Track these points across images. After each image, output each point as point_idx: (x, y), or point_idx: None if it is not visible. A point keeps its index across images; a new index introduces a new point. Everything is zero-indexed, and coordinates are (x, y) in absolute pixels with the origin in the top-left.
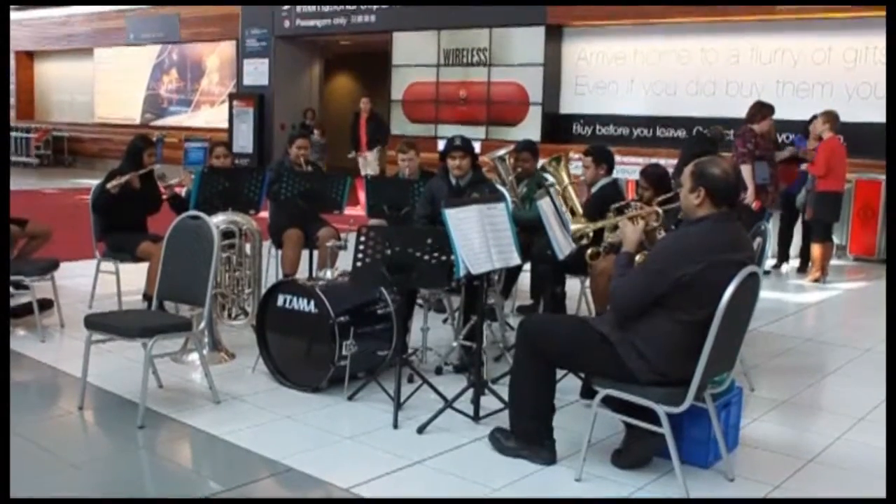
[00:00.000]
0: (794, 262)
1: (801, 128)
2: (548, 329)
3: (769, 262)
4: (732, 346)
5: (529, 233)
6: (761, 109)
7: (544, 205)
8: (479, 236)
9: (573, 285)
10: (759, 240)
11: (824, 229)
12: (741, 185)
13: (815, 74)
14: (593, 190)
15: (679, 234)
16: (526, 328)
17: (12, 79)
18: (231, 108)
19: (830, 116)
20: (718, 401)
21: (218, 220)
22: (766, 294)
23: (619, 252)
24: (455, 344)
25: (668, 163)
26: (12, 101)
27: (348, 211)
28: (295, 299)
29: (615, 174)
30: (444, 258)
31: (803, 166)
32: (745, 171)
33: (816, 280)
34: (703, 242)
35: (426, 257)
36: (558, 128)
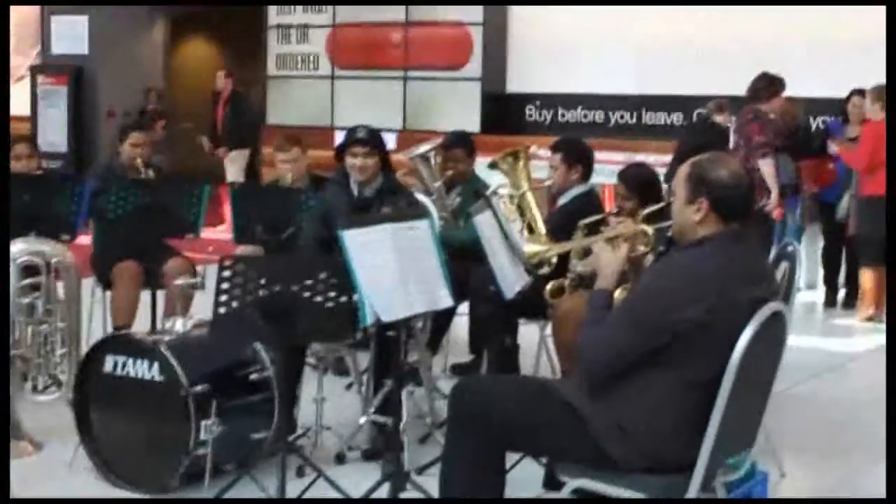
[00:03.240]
0: (839, 294)
1: (837, 109)
2: (493, 397)
3: (805, 296)
4: (751, 415)
5: (465, 261)
6: (770, 84)
7: (484, 221)
8: (393, 268)
9: (528, 333)
10: (784, 265)
11: (876, 249)
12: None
13: (860, 35)
14: (562, 201)
15: (671, 263)
16: (462, 397)
17: None
18: (34, 87)
19: (882, 92)
20: (735, 492)
21: (15, 251)
22: (797, 341)
23: (591, 288)
24: (363, 420)
25: (660, 160)
26: None
27: (207, 234)
28: (131, 362)
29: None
30: (343, 300)
31: (832, 148)
32: (767, 167)
33: (870, 319)
34: (709, 274)
35: (319, 299)
36: (505, 113)
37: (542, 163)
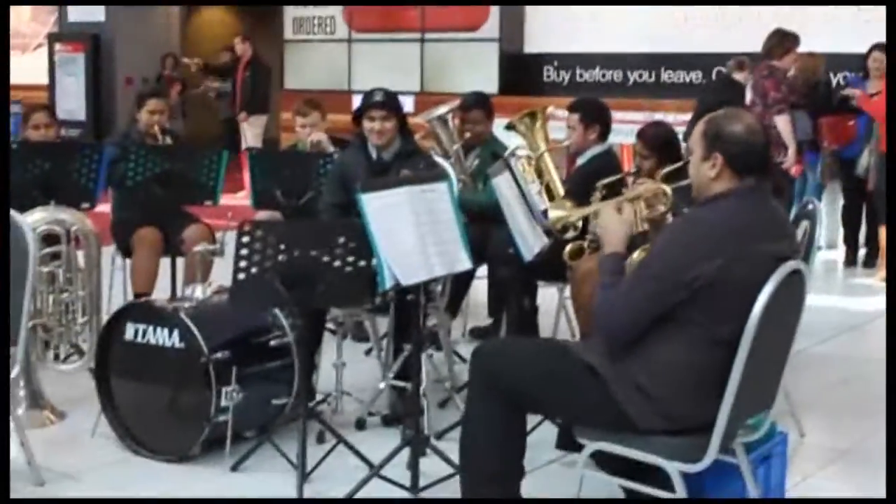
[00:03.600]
0: (859, 253)
1: (857, 64)
2: (513, 360)
3: (826, 255)
4: (770, 375)
5: (484, 224)
6: (783, 40)
7: (503, 183)
8: (411, 232)
9: (548, 296)
10: (804, 224)
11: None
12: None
13: None
14: (580, 161)
15: (688, 219)
16: (482, 360)
17: None
18: (52, 55)
19: None
20: (755, 452)
21: (35, 220)
22: (817, 300)
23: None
24: (383, 385)
25: (679, 119)
26: None
27: (226, 200)
28: (151, 330)
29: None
30: (362, 264)
31: (852, 92)
32: (783, 123)
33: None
34: (724, 229)
35: (338, 264)
36: (523, 74)
37: (560, 123)
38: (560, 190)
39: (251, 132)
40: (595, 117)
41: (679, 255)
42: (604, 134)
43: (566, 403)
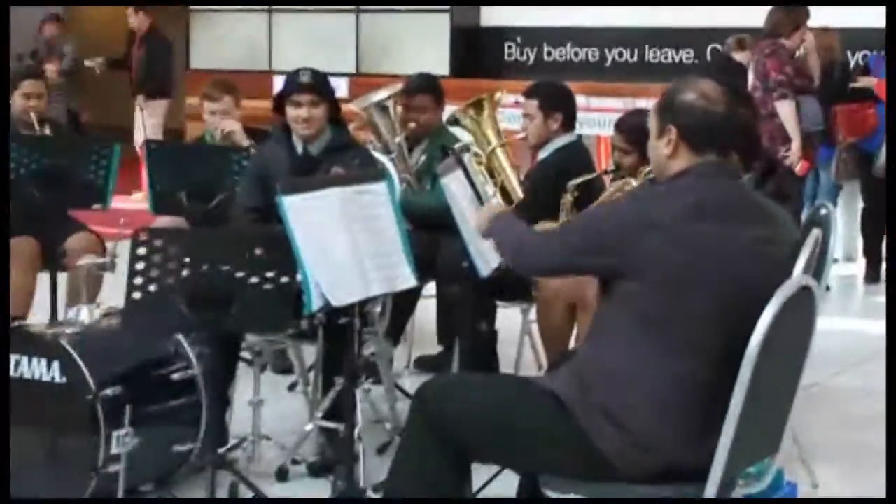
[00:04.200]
0: (882, 267)
1: (878, 42)
2: (462, 396)
3: (843, 269)
4: (775, 413)
5: (432, 233)
6: (791, 14)
7: (454, 183)
8: (343, 242)
9: (509, 320)
10: (816, 232)
11: None
12: (747, 123)
13: None
14: (541, 155)
15: (634, 193)
16: (425, 397)
17: None
18: None
19: None
20: None
21: None
22: (832, 323)
23: None
24: (310, 427)
25: None
26: None
27: (118, 204)
28: (26, 361)
29: (578, 129)
30: (285, 281)
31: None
32: (785, 110)
33: None
34: (680, 203)
35: (255, 280)
36: (479, 52)
37: (515, 111)
38: (518, 191)
39: (149, 121)
40: (556, 103)
41: (622, 217)
42: (568, 123)
43: (529, 449)
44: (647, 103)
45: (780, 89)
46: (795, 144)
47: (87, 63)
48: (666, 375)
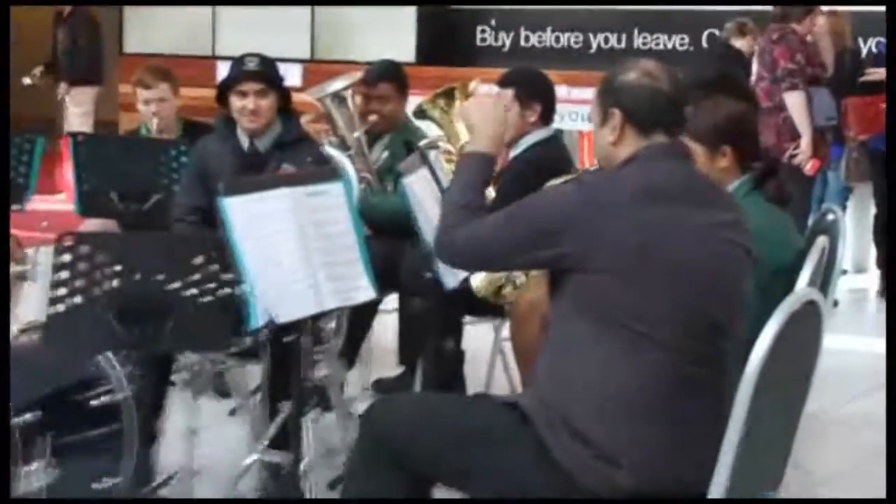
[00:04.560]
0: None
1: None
2: (414, 415)
3: (853, 281)
4: (776, 442)
5: (394, 239)
6: None
7: (418, 184)
8: (293, 249)
9: (479, 336)
10: (822, 240)
11: None
12: (743, 118)
13: None
14: (514, 152)
15: (578, 181)
16: (374, 418)
17: None
18: None
19: None
20: None
21: None
22: (842, 342)
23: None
24: (252, 459)
25: None
26: None
27: (39, 204)
28: None
29: (558, 123)
30: (226, 293)
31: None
32: (795, 102)
33: None
34: (629, 186)
35: (193, 292)
36: (449, 37)
37: None
38: (491, 192)
39: (74, 110)
40: (533, 93)
41: (564, 204)
42: (546, 115)
43: (489, 470)
44: None
45: (789, 79)
46: (805, 141)
47: (25, 81)
48: (627, 375)
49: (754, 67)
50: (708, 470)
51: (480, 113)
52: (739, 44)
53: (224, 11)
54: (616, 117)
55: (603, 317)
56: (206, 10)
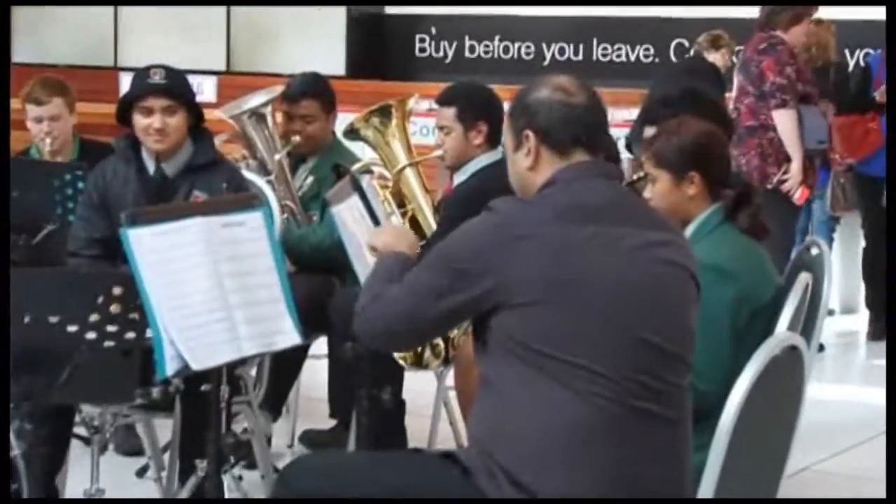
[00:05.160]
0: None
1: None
2: (338, 474)
3: (841, 323)
4: (755, 493)
5: (322, 275)
6: (790, 4)
7: (348, 214)
8: (206, 287)
9: (419, 385)
10: (804, 277)
11: None
12: (710, 140)
13: None
14: (459, 178)
15: (498, 205)
16: (290, 479)
17: None
18: None
19: None
20: None
21: None
22: (828, 392)
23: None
24: None
25: (619, 117)
26: None
27: None
28: None
29: None
30: (129, 337)
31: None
32: (785, 121)
33: None
34: (549, 208)
35: (92, 336)
36: (383, 46)
37: (428, 122)
38: (433, 224)
39: None
40: (479, 111)
41: (478, 240)
42: (493, 136)
43: None
44: None
45: (779, 95)
46: (796, 165)
47: None
48: (565, 413)
49: (735, 81)
50: None
51: (393, 237)
52: (713, 58)
53: (128, 15)
54: (530, 139)
55: (534, 353)
56: (107, 12)
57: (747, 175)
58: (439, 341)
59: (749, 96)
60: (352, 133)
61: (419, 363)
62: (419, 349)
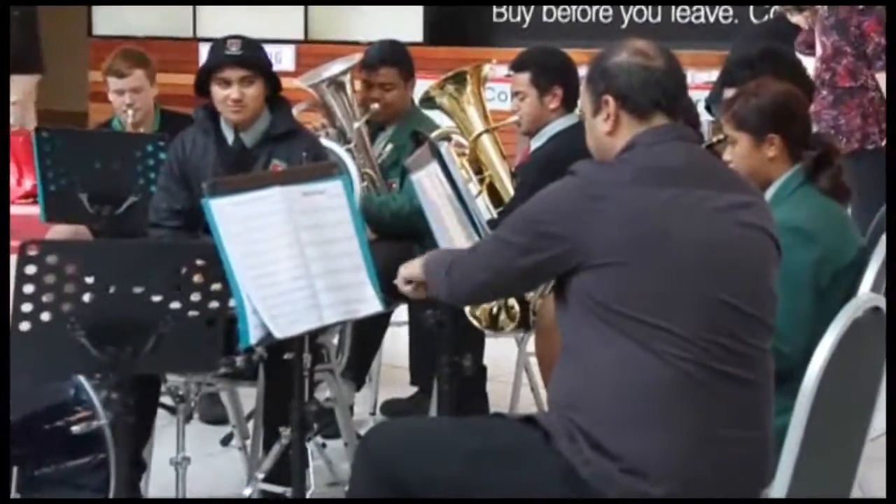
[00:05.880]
0: None
1: None
2: (420, 446)
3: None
4: (836, 467)
5: (402, 243)
6: None
7: (428, 181)
8: (288, 256)
9: (501, 351)
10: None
11: None
12: (791, 99)
13: None
14: (535, 144)
15: (580, 167)
16: (371, 447)
17: None
18: None
19: None
20: None
21: None
22: None
23: None
24: (248, 492)
25: (699, 79)
26: None
27: None
28: None
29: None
30: (212, 307)
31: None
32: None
33: None
34: (628, 170)
35: (176, 306)
36: (460, 13)
37: (503, 87)
38: (510, 190)
39: (19, 100)
40: (554, 76)
41: (554, 201)
42: (569, 101)
43: (511, 496)
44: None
45: (884, 57)
46: None
47: None
48: (646, 375)
49: (825, 40)
50: (745, 473)
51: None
52: (796, 19)
53: None
54: (609, 104)
55: (615, 314)
56: None
57: (847, 136)
58: (514, 304)
59: (847, 56)
60: (427, 101)
61: (494, 326)
62: (494, 312)
